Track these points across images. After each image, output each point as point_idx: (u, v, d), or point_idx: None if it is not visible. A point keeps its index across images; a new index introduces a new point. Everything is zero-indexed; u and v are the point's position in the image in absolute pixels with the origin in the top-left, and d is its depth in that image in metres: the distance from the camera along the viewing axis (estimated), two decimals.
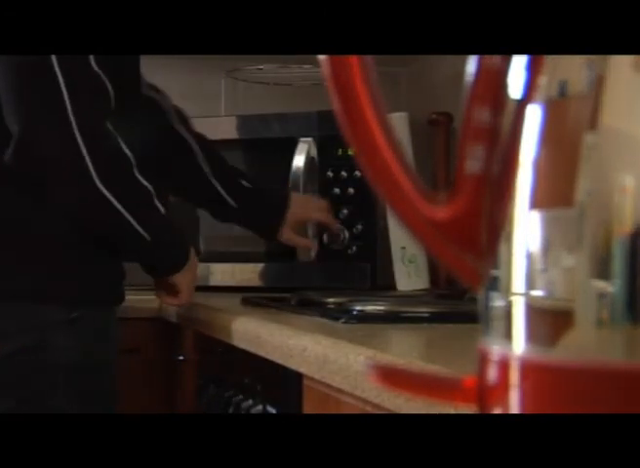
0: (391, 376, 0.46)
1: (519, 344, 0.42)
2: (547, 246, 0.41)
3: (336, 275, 2.14)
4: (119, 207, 1.53)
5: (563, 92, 0.42)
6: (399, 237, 2.03)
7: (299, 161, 2.16)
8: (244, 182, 1.94)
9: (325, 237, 2.12)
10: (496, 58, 0.46)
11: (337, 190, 2.14)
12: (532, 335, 0.42)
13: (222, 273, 2.29)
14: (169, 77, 2.25)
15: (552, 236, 0.41)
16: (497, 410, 0.43)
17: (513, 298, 0.43)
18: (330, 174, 2.16)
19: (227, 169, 1.95)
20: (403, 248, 2.04)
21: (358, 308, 1.46)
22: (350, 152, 2.10)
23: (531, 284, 0.42)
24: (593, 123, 0.40)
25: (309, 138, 2.19)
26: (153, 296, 1.79)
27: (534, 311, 0.42)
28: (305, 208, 2.00)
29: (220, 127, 2.28)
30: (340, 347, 1.13)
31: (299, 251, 2.13)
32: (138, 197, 1.58)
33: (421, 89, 2.64)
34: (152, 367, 2.08)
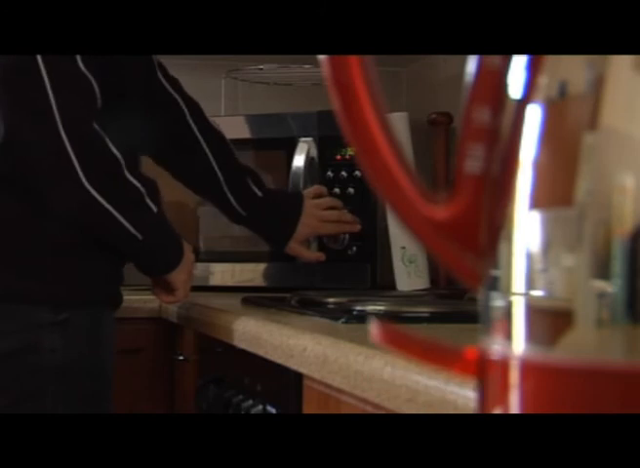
0: (395, 338, 0.46)
1: (519, 344, 0.42)
2: (547, 246, 0.41)
3: (336, 275, 2.13)
4: (109, 207, 1.53)
5: (563, 92, 0.42)
6: (399, 237, 2.03)
7: (299, 161, 2.16)
8: (255, 189, 1.92)
9: (325, 237, 2.12)
10: (496, 58, 0.46)
11: (337, 190, 2.14)
12: (532, 335, 0.42)
13: (222, 273, 2.29)
14: None
15: (552, 236, 0.41)
16: (497, 410, 0.43)
17: (513, 298, 0.43)
18: (330, 174, 2.16)
19: (239, 173, 1.92)
20: (403, 248, 2.04)
21: (358, 308, 1.46)
22: (350, 152, 2.11)
23: (531, 284, 0.42)
24: (593, 123, 0.40)
25: (309, 138, 2.19)
26: (153, 296, 1.79)
27: (534, 311, 0.42)
28: (316, 221, 1.98)
29: (220, 127, 2.28)
30: (340, 347, 1.13)
31: None
32: (127, 197, 1.57)
33: (421, 89, 2.64)
34: (152, 367, 2.08)
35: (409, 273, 2.05)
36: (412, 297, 1.92)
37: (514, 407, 0.42)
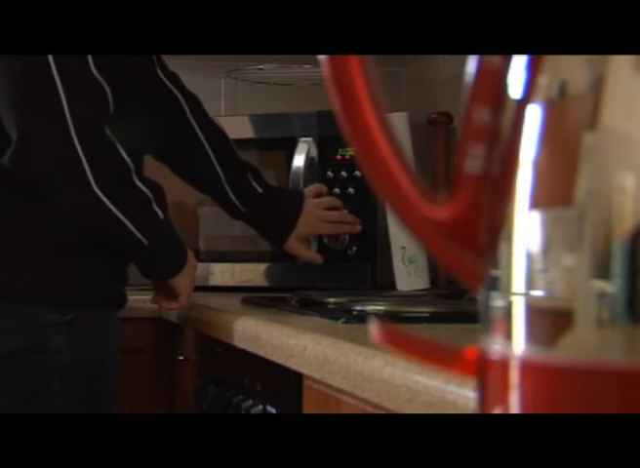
0: (395, 338, 0.46)
1: (519, 344, 0.42)
2: (547, 246, 0.41)
3: (336, 275, 2.13)
4: (116, 212, 1.53)
5: (563, 92, 0.42)
6: (399, 237, 2.03)
7: (299, 161, 2.16)
8: (256, 185, 1.92)
9: (325, 237, 2.11)
10: (496, 58, 0.46)
11: (337, 190, 2.14)
12: (532, 335, 0.42)
13: (222, 273, 2.29)
14: None
15: (552, 236, 0.41)
16: (497, 410, 0.43)
17: (513, 298, 0.43)
18: (330, 174, 2.16)
19: (239, 169, 1.92)
20: (403, 248, 2.04)
21: (358, 308, 1.46)
22: (350, 152, 2.11)
23: (531, 284, 0.42)
24: (593, 123, 0.40)
25: (309, 138, 2.19)
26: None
27: (534, 311, 0.42)
28: (316, 220, 1.98)
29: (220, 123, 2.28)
30: (340, 347, 1.13)
31: None
32: (135, 202, 1.57)
33: (421, 89, 2.64)
34: (152, 367, 2.08)
35: (409, 273, 2.05)
36: (412, 297, 1.92)
37: (514, 407, 0.42)
